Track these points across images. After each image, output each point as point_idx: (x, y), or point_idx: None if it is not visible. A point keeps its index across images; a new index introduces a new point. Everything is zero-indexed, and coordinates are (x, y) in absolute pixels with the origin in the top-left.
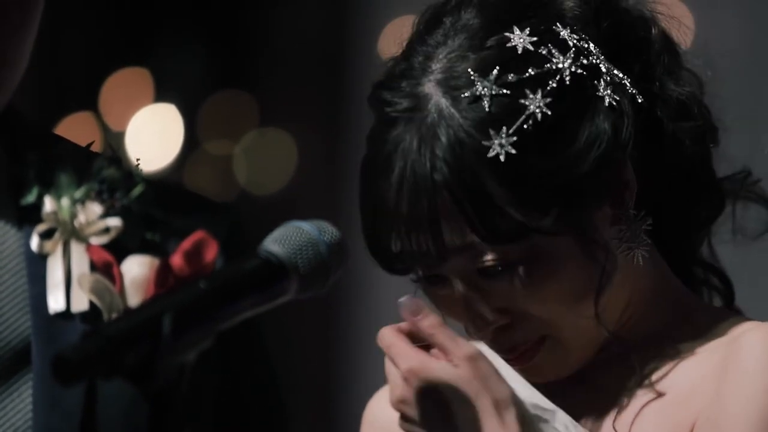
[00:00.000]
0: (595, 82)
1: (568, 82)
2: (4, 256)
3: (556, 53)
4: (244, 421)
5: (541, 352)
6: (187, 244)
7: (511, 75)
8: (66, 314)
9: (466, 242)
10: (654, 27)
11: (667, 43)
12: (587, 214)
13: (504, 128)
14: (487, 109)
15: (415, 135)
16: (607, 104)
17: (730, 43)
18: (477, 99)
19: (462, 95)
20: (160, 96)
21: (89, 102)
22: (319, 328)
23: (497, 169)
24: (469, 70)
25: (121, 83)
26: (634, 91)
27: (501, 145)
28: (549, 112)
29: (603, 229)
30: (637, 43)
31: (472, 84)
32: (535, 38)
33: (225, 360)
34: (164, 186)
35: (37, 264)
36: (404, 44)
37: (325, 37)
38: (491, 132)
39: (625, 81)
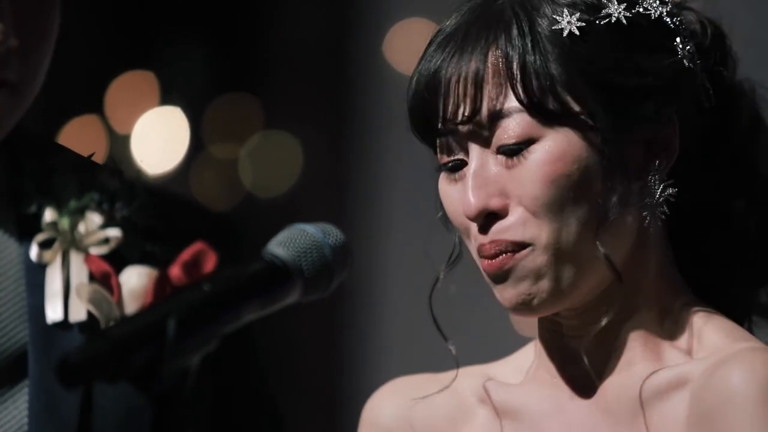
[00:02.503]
0: (678, 40)
1: (653, 18)
2: (3, 265)
3: None
4: (237, 425)
5: (523, 261)
6: (186, 255)
7: None
8: (64, 324)
9: (502, 106)
10: (726, 40)
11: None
12: (626, 134)
13: (578, 14)
14: None
15: (491, 4)
16: (678, 56)
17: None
18: None
19: None
20: (166, 99)
21: (95, 105)
22: (322, 331)
23: (557, 44)
24: None
25: (127, 86)
26: (707, 86)
27: (569, 23)
28: (624, 23)
29: (630, 165)
30: (717, 51)
31: None
32: None
33: (217, 364)
34: (165, 196)
35: (36, 273)
36: None
37: (330, 40)
38: (565, 11)
39: (703, 75)
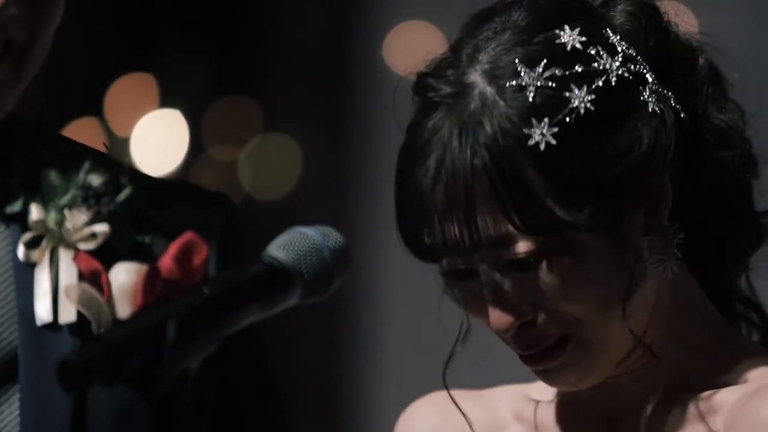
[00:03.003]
0: (641, 88)
1: (613, 84)
2: None
3: (605, 55)
4: (242, 426)
5: (564, 353)
6: (174, 247)
7: (558, 69)
8: (54, 325)
9: (500, 232)
10: (701, 55)
11: (713, 71)
12: (621, 216)
13: (546, 119)
14: (530, 100)
15: (456, 121)
16: (650, 110)
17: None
18: (522, 89)
19: (507, 84)
20: (165, 101)
21: (94, 108)
22: (322, 334)
23: (537, 158)
24: (516, 60)
25: (126, 89)
26: (677, 106)
27: (542, 134)
28: (592, 108)
29: (635, 236)
30: (682, 66)
31: (518, 75)
32: (584, 38)
33: (222, 366)
34: (155, 183)
35: (24, 274)
36: (451, 43)
37: (330, 42)
38: (533, 121)
39: (670, 95)
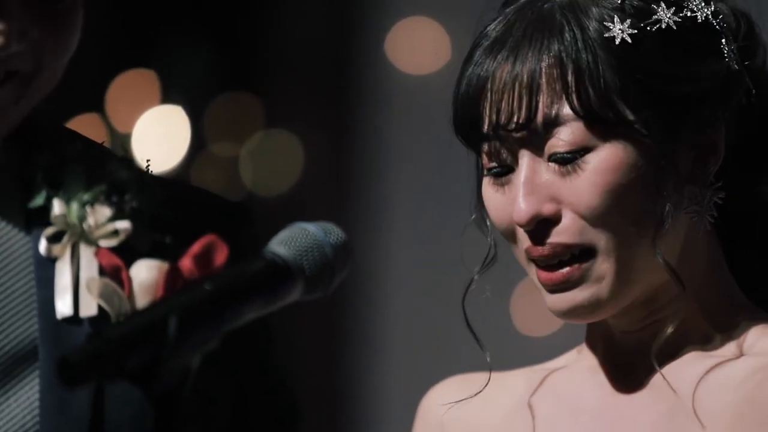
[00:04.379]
0: (723, 40)
1: (700, 21)
2: (12, 260)
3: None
4: (256, 425)
5: (580, 270)
6: (197, 247)
7: None
8: (74, 319)
9: (556, 113)
10: None
11: None
12: (674, 137)
13: (629, 20)
14: (619, 2)
15: (538, 11)
16: (725, 57)
17: None
18: None
19: None
20: (167, 98)
21: (96, 104)
22: (324, 330)
23: (610, 51)
24: None
25: (128, 85)
26: (750, 85)
27: (621, 30)
28: (674, 28)
29: (682, 170)
30: (757, 55)
31: None
32: None
33: (235, 364)
34: (176, 186)
35: (45, 268)
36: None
37: (332, 38)
38: (616, 18)
39: (743, 68)
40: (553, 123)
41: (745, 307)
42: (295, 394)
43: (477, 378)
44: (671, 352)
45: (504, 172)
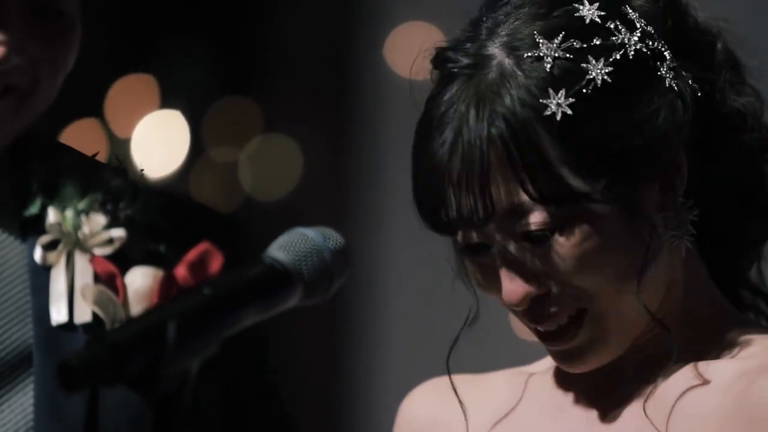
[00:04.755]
0: (658, 63)
1: (631, 57)
2: (7, 267)
3: (623, 30)
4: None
5: (580, 331)
6: (192, 255)
7: (576, 42)
8: (69, 326)
9: (515, 202)
10: (719, 40)
11: (731, 56)
12: (637, 189)
13: (563, 90)
14: (548, 70)
15: (473, 92)
16: (667, 86)
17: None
18: (539, 59)
19: (525, 55)
20: (166, 102)
21: (95, 109)
22: (323, 334)
23: (553, 128)
24: (535, 32)
25: (127, 90)
26: (695, 86)
27: (558, 105)
28: (609, 80)
29: (650, 209)
30: (700, 48)
31: (536, 46)
32: (603, 13)
33: (229, 372)
34: (170, 196)
35: (40, 275)
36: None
37: (330, 42)
38: (550, 91)
39: (687, 74)
40: (515, 211)
41: (729, 311)
42: (288, 404)
43: (456, 381)
44: (655, 356)
45: (480, 249)
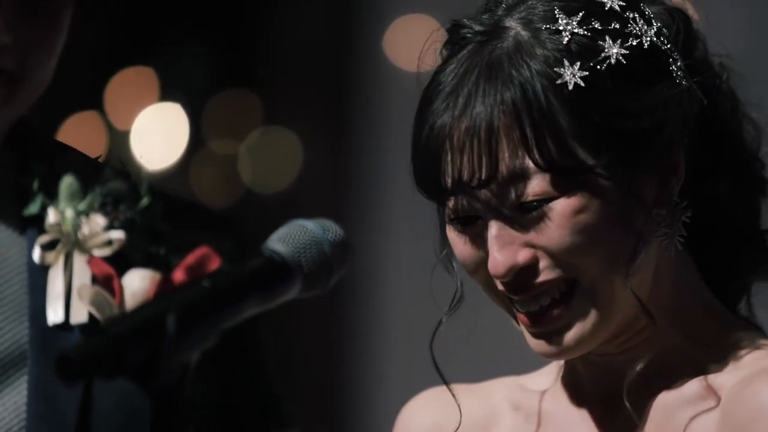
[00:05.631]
0: (671, 60)
1: (646, 47)
2: (5, 266)
3: (641, 22)
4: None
5: (568, 308)
6: (190, 259)
7: (595, 22)
8: (65, 326)
9: (518, 167)
10: (724, 72)
11: (732, 91)
12: (637, 173)
13: (578, 62)
14: (564, 43)
15: (487, 59)
16: (677, 81)
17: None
18: (557, 32)
19: (543, 27)
20: (166, 95)
21: (95, 101)
22: (322, 327)
23: (564, 98)
24: (555, 8)
25: (127, 82)
26: (701, 96)
27: (573, 74)
28: (624, 62)
29: (647, 200)
30: (704, 74)
31: (555, 20)
32: (623, 3)
33: (223, 363)
34: (170, 199)
35: (38, 275)
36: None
37: (330, 36)
38: (565, 62)
39: (693, 84)
40: (516, 176)
41: (724, 317)
42: (285, 397)
43: (455, 390)
44: (655, 370)
45: (470, 221)
